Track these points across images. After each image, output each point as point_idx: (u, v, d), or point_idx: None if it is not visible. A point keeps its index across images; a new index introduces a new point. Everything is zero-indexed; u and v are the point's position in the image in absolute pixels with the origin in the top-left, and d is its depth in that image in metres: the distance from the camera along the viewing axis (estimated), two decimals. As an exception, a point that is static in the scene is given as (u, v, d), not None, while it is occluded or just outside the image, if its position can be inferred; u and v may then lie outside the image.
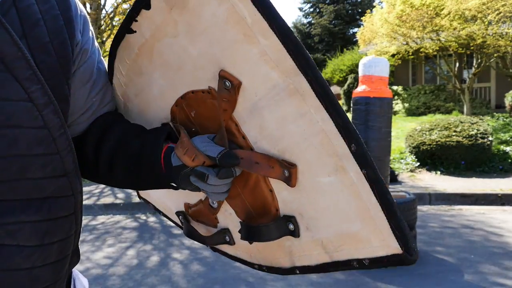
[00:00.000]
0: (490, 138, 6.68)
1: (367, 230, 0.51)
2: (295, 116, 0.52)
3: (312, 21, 27.55)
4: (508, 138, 7.66)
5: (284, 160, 0.56)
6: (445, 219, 4.57)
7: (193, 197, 0.74)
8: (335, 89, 28.07)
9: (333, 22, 26.26)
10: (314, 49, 26.89)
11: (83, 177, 0.70)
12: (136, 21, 0.61)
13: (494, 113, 10.44)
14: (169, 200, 0.85)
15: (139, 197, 0.97)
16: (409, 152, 7.27)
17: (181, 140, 0.63)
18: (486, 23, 8.82)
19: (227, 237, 0.73)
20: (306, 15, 29.62)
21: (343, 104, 16.56)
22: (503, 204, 5.27)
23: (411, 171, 6.83)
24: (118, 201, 5.56)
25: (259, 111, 0.55)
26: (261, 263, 0.71)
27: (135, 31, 0.63)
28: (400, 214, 0.48)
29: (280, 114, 0.53)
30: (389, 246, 0.50)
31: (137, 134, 0.69)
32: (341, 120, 0.48)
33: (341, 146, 0.49)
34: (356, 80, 14.74)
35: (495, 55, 9.60)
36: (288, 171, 0.55)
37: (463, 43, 9.64)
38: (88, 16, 0.68)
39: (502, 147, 7.24)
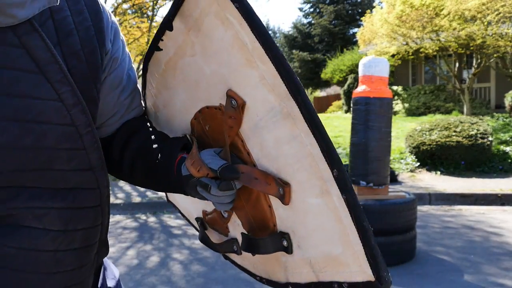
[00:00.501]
0: (490, 138, 6.68)
1: (347, 254, 0.53)
2: (289, 138, 0.55)
3: (312, 21, 27.56)
4: (508, 138, 7.66)
5: (280, 179, 0.59)
6: (445, 219, 4.57)
7: (210, 205, 0.77)
8: (335, 89, 28.06)
9: (333, 22, 26.26)
10: (314, 49, 26.90)
11: (110, 174, 0.76)
12: (162, 40, 0.69)
13: (494, 113, 10.44)
14: (191, 206, 0.91)
15: (168, 201, 1.04)
16: (409, 152, 7.27)
17: (191, 152, 0.69)
18: (486, 23, 8.83)
19: (235, 247, 0.76)
20: (306, 15, 29.63)
21: (343, 104, 16.58)
22: (503, 204, 5.27)
23: (411, 171, 6.84)
24: (118, 201, 5.56)
25: (259, 130, 0.59)
26: (262, 275, 0.74)
27: (162, 49, 0.71)
28: (374, 241, 0.49)
29: (277, 135, 0.57)
30: (365, 272, 0.51)
31: (157, 141, 0.76)
32: (325, 146, 0.50)
33: (326, 170, 0.51)
34: (356, 80, 14.74)
35: (495, 55, 9.60)
36: (282, 189, 0.58)
37: (463, 43, 9.65)
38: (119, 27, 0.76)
39: (502, 147, 7.25)
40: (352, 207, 0.50)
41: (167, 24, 0.66)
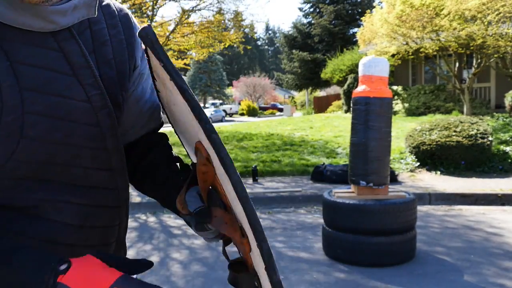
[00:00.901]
0: (490, 138, 6.68)
1: None
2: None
3: (312, 21, 27.55)
4: (508, 138, 7.66)
5: (242, 228, 0.62)
6: (445, 219, 4.57)
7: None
8: (335, 89, 28.07)
9: (333, 22, 26.26)
10: (314, 49, 26.89)
11: None
12: (155, 82, 0.76)
13: (494, 113, 10.44)
14: None
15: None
16: (409, 152, 7.27)
17: (182, 189, 0.74)
18: (486, 23, 8.82)
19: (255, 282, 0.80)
20: (306, 15, 29.63)
21: (343, 104, 16.58)
22: (503, 204, 5.27)
23: (411, 171, 6.83)
24: (118, 201, 5.56)
25: (224, 179, 0.61)
26: None
27: (159, 91, 0.77)
28: None
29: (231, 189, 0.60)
30: None
31: (168, 164, 0.82)
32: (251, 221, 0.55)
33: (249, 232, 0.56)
34: (356, 80, 14.73)
35: (495, 55, 9.60)
36: (244, 239, 0.62)
37: (463, 43, 9.64)
38: None
39: (502, 147, 7.24)
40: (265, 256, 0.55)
41: (152, 73, 0.73)
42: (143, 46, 0.75)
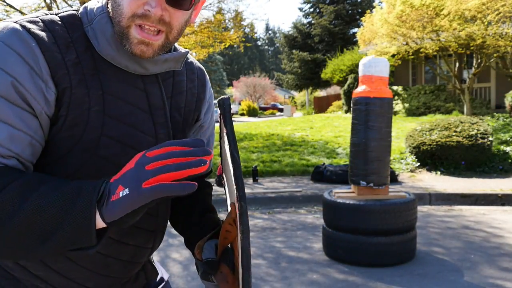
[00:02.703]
0: (490, 138, 6.68)
1: None
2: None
3: (312, 21, 27.54)
4: (508, 138, 7.66)
5: None
6: (445, 220, 4.57)
7: None
8: (335, 89, 28.05)
9: (333, 22, 26.25)
10: (314, 49, 26.88)
11: None
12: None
13: (494, 113, 10.43)
14: None
15: None
16: (409, 152, 7.27)
17: (205, 238, 0.81)
18: (486, 23, 8.82)
19: None
20: (306, 15, 29.62)
21: (343, 104, 16.58)
22: (503, 204, 5.27)
23: (411, 171, 6.83)
24: (118, 201, 5.55)
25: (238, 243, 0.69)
26: None
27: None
28: None
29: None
30: None
31: (203, 212, 0.89)
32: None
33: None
34: (356, 80, 14.73)
35: (495, 55, 9.59)
36: None
37: (463, 43, 9.64)
38: (212, 102, 0.95)
39: (502, 147, 7.24)
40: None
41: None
42: (217, 110, 0.88)
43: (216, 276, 0.74)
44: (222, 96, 0.71)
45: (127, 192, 0.56)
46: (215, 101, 0.78)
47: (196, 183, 0.56)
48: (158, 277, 0.92)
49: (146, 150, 0.60)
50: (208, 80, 0.92)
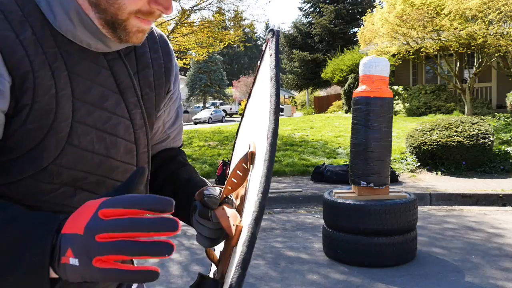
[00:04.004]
0: (491, 138, 6.66)
1: None
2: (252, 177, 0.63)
3: (313, 21, 27.53)
4: (509, 138, 7.64)
5: (240, 221, 0.65)
6: (446, 220, 4.55)
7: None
8: (335, 89, 28.02)
9: (334, 22, 26.23)
10: (314, 49, 26.87)
11: None
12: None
13: (495, 113, 10.42)
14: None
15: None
16: (410, 152, 7.25)
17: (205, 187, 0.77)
18: (487, 22, 8.80)
19: None
20: (306, 15, 29.60)
21: (343, 104, 16.56)
22: (504, 204, 5.25)
23: (412, 171, 6.82)
24: (117, 201, 5.55)
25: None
26: None
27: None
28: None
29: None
30: None
31: (186, 173, 0.85)
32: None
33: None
34: (356, 80, 14.72)
35: (496, 54, 9.57)
36: (235, 230, 0.63)
37: (464, 42, 9.62)
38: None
39: (503, 147, 7.22)
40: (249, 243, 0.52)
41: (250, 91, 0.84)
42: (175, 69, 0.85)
43: (216, 210, 0.69)
44: (271, 28, 0.68)
45: (77, 264, 0.46)
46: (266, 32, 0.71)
47: (158, 272, 0.46)
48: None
49: (101, 200, 0.48)
50: (172, 48, 0.85)
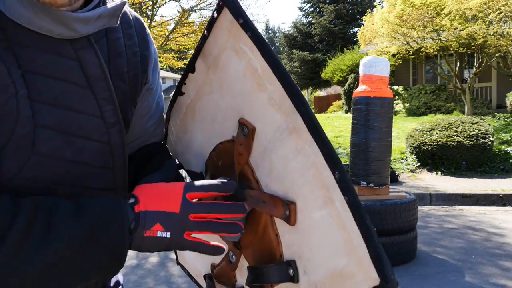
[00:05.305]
0: (491, 138, 6.66)
1: (351, 263, 0.52)
2: (294, 153, 0.57)
3: (313, 21, 27.53)
4: (510, 138, 7.64)
5: (286, 200, 0.60)
6: (446, 220, 4.55)
7: (219, 256, 0.79)
8: (335, 89, 28.05)
9: (334, 22, 26.23)
10: (315, 49, 26.87)
11: None
12: (185, 84, 0.75)
13: (495, 113, 10.41)
14: (200, 262, 0.91)
15: (178, 263, 1.05)
16: (410, 152, 7.25)
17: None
18: (487, 22, 8.80)
19: None
20: (306, 15, 29.60)
21: (343, 104, 16.56)
22: (504, 204, 5.25)
23: (412, 171, 6.81)
24: (117, 201, 5.55)
25: (268, 154, 0.62)
26: None
27: (184, 93, 0.76)
28: (378, 241, 0.49)
29: (283, 154, 0.59)
30: (369, 277, 0.50)
31: (175, 167, 0.79)
32: (326, 150, 0.52)
33: (328, 176, 0.52)
34: (356, 80, 14.72)
35: (496, 54, 9.57)
36: (288, 210, 0.59)
37: (464, 42, 9.62)
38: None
39: (503, 147, 7.22)
40: (353, 207, 0.49)
41: (190, 66, 0.72)
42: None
43: (248, 202, 0.64)
44: None
45: (168, 236, 0.55)
46: None
47: (224, 248, 0.59)
48: (114, 281, 0.82)
49: (182, 185, 0.57)
50: (149, 32, 0.74)
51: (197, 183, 0.59)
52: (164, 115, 0.84)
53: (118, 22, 0.63)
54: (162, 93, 0.83)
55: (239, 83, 0.64)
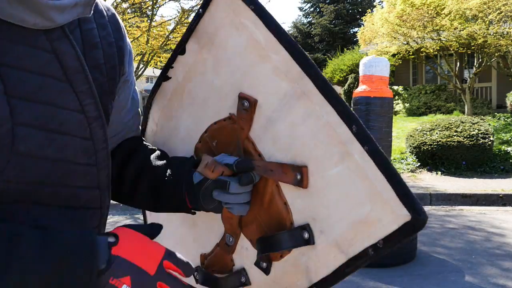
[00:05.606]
0: (491, 138, 6.66)
1: (376, 208, 0.52)
2: (304, 117, 0.57)
3: (313, 21, 27.53)
4: (510, 138, 7.64)
5: (295, 165, 0.60)
6: (446, 220, 4.55)
7: (210, 245, 0.79)
8: (335, 89, 28.01)
9: (334, 21, 26.23)
10: (315, 49, 26.86)
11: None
12: (172, 67, 0.73)
13: (495, 113, 10.41)
14: (187, 255, 0.89)
15: None
16: (410, 152, 7.25)
17: (203, 158, 0.70)
18: (487, 22, 8.80)
19: (243, 278, 0.74)
20: (306, 15, 29.60)
21: (343, 104, 16.53)
22: (504, 204, 5.25)
23: (412, 171, 6.82)
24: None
25: (272, 124, 0.61)
26: None
27: (170, 78, 0.74)
28: (402, 179, 0.51)
29: (291, 120, 0.59)
30: (399, 216, 0.50)
31: (163, 158, 0.76)
32: (341, 107, 0.52)
33: (344, 131, 0.53)
34: (356, 80, 14.71)
35: (496, 54, 9.57)
36: (300, 173, 0.58)
37: (464, 42, 9.61)
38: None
39: (503, 147, 7.22)
40: (375, 155, 0.50)
41: (180, 48, 0.70)
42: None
43: (257, 170, 0.63)
44: None
45: None
46: None
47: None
48: None
49: (166, 252, 0.56)
50: (121, 22, 0.72)
51: (178, 255, 0.58)
52: (140, 110, 0.82)
53: (92, 12, 0.60)
54: (136, 87, 0.81)
55: (238, 59, 0.63)
